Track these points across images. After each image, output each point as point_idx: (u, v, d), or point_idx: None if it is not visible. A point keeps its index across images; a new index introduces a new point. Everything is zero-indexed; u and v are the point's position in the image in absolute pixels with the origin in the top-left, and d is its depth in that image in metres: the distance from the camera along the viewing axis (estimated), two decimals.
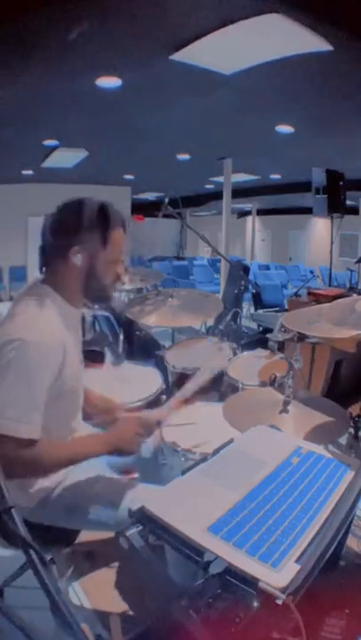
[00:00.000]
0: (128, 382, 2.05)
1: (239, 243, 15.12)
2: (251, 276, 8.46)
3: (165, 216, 2.87)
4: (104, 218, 1.23)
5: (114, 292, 1.40)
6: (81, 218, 1.21)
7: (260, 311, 6.43)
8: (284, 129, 5.49)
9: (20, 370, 1.10)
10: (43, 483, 1.27)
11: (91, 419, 1.51)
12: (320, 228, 12.17)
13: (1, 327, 1.18)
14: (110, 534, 1.33)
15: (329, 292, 3.73)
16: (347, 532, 0.86)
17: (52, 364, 1.16)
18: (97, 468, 1.37)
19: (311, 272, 8.68)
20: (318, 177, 5.64)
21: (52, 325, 1.19)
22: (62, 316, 1.24)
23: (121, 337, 2.87)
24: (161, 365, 2.24)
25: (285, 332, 1.70)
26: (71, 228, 1.22)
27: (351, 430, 1.75)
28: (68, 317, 1.26)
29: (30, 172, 8.37)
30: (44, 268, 1.28)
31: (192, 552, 0.74)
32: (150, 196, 12.14)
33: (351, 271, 6.64)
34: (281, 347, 1.94)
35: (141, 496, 1.22)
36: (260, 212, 14.39)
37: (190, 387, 1.44)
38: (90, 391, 1.51)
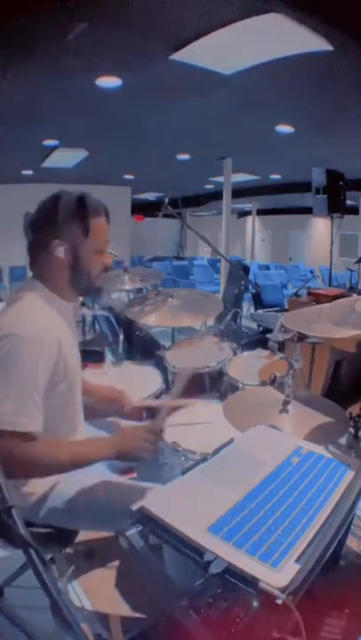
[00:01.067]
0: (128, 382, 2.05)
1: (239, 243, 15.11)
2: (251, 276, 8.46)
3: (165, 216, 2.87)
4: (82, 208, 1.23)
5: (102, 283, 1.39)
6: (58, 210, 1.22)
7: (260, 311, 6.43)
8: (284, 129, 5.49)
9: (13, 364, 1.10)
10: (41, 482, 1.26)
11: (96, 415, 1.50)
12: (320, 228, 12.17)
13: None
14: (110, 534, 1.33)
15: (329, 291, 3.73)
16: (347, 532, 0.86)
17: (46, 357, 1.15)
18: (96, 467, 1.37)
19: (311, 272, 8.67)
20: (318, 177, 5.64)
21: (44, 319, 1.20)
22: (55, 310, 1.25)
23: (121, 337, 2.87)
24: (161, 365, 2.24)
25: (285, 332, 1.70)
26: (50, 222, 1.23)
27: (351, 430, 1.75)
28: (60, 311, 1.27)
29: (30, 172, 8.36)
30: (33, 266, 1.30)
31: (192, 552, 0.74)
32: (150, 195, 12.14)
33: (351, 271, 6.64)
34: (281, 347, 1.94)
35: (141, 496, 1.21)
36: (260, 212, 14.39)
37: (175, 391, 1.42)
38: (93, 383, 1.52)
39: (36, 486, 1.26)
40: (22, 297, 1.22)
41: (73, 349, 1.31)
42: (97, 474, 1.34)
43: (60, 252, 1.23)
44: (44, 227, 1.24)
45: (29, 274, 1.34)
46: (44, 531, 1.26)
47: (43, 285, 1.26)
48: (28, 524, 1.20)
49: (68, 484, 1.28)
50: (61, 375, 1.21)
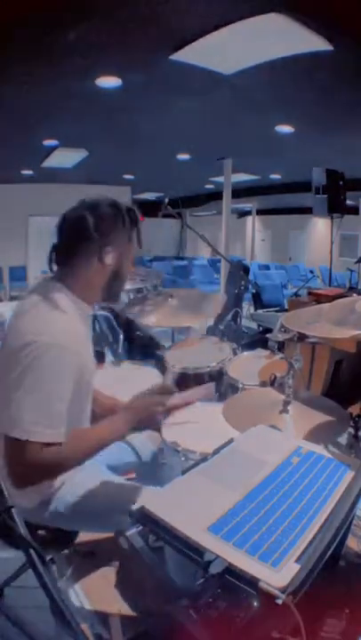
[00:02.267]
0: (128, 382, 2.05)
1: (239, 243, 15.10)
2: (251, 276, 8.45)
3: (165, 216, 2.86)
4: (132, 217, 1.26)
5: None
6: (117, 218, 1.23)
7: (260, 311, 6.43)
8: (284, 129, 5.49)
9: (38, 373, 1.08)
10: (45, 484, 1.26)
11: (95, 420, 1.50)
12: (320, 228, 12.17)
13: (13, 328, 1.15)
14: (110, 534, 1.33)
15: (329, 291, 3.73)
16: (347, 532, 0.86)
17: (72, 366, 1.13)
18: (96, 469, 1.37)
19: (311, 272, 8.67)
20: (318, 177, 5.64)
21: (69, 326, 1.17)
22: (78, 314, 1.23)
23: (121, 337, 2.87)
24: (161, 365, 2.24)
25: (285, 332, 1.70)
26: (107, 228, 1.22)
27: (351, 430, 1.75)
28: (82, 315, 1.25)
29: (30, 172, 8.36)
30: (54, 266, 1.26)
31: (192, 552, 0.74)
32: (150, 195, 12.13)
33: (351, 271, 6.64)
34: (281, 347, 1.94)
35: (141, 496, 1.22)
36: (260, 212, 14.38)
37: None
38: (97, 391, 1.50)
39: (41, 488, 1.25)
40: (45, 301, 1.17)
41: (91, 354, 1.30)
42: (97, 475, 1.34)
43: (110, 258, 1.23)
44: (98, 232, 1.21)
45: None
46: (46, 532, 1.26)
47: (67, 289, 1.22)
48: (33, 526, 1.20)
49: (71, 486, 1.28)
50: (83, 381, 1.20)
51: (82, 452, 1.17)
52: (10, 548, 1.19)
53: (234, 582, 0.70)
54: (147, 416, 1.25)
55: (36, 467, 1.09)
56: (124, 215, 1.24)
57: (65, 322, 1.16)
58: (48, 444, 1.08)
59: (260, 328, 4.97)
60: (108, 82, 4.00)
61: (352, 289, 4.33)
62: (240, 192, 9.24)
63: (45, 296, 1.18)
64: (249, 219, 14.66)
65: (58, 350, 1.10)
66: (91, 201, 1.24)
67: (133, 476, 1.59)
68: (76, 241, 1.22)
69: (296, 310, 1.74)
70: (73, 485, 1.29)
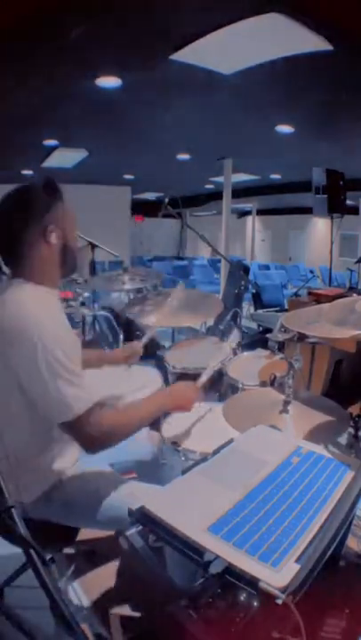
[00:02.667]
0: (128, 382, 2.05)
1: (239, 243, 15.11)
2: (251, 276, 8.46)
3: (165, 216, 2.87)
4: (56, 190, 1.27)
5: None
6: (39, 199, 1.23)
7: (260, 311, 6.43)
8: (284, 129, 5.48)
9: (50, 355, 1.11)
10: (44, 477, 1.27)
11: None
12: (320, 228, 12.17)
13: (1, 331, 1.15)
14: (110, 533, 1.33)
15: (329, 291, 3.73)
16: (347, 532, 0.86)
17: (66, 336, 1.19)
18: (96, 465, 1.37)
19: (311, 272, 8.68)
20: (318, 177, 5.64)
21: (51, 310, 1.20)
22: (52, 300, 1.25)
23: (121, 337, 2.87)
24: (161, 365, 2.24)
25: (285, 332, 1.70)
26: (36, 212, 1.22)
27: (351, 430, 1.75)
28: (54, 301, 1.27)
29: (30, 172, 8.36)
30: (15, 262, 1.26)
31: (192, 552, 0.74)
32: (150, 195, 12.13)
33: (351, 271, 6.64)
34: (281, 347, 1.94)
35: (141, 496, 1.22)
36: (260, 212, 14.38)
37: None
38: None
39: (39, 482, 1.27)
40: (12, 297, 1.18)
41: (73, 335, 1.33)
42: (97, 472, 1.34)
43: (53, 237, 1.23)
44: (26, 219, 1.22)
45: None
46: (45, 528, 1.27)
47: (25, 281, 1.22)
48: (30, 521, 1.21)
49: (70, 481, 1.29)
50: (77, 347, 1.24)
51: (137, 419, 1.27)
52: (10, 546, 1.19)
53: (234, 582, 0.70)
54: (189, 396, 1.44)
55: (109, 429, 1.18)
56: (43, 192, 1.25)
57: (46, 308, 1.18)
58: (96, 407, 1.16)
59: (260, 328, 4.97)
60: (108, 82, 4.00)
61: (352, 289, 4.32)
62: (240, 192, 9.24)
63: (15, 293, 1.19)
64: (249, 219, 14.66)
65: (54, 334, 1.13)
66: (9, 195, 1.25)
67: (134, 475, 1.59)
68: (15, 235, 1.23)
69: (296, 310, 1.74)
70: (72, 480, 1.29)
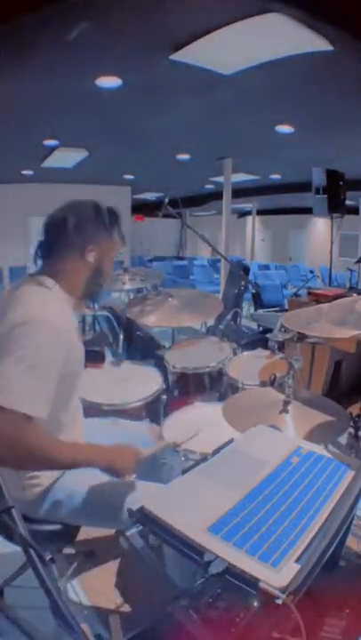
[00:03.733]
0: (128, 382, 2.06)
1: (239, 243, 15.11)
2: (251, 276, 8.45)
3: (165, 216, 2.87)
4: (113, 218, 1.34)
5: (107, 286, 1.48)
6: (98, 219, 1.31)
7: (260, 311, 6.42)
8: (284, 129, 5.48)
9: (31, 348, 1.11)
10: (44, 475, 1.28)
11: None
12: (320, 228, 12.17)
13: (8, 314, 1.17)
14: (110, 533, 1.33)
15: (329, 291, 3.73)
16: (347, 532, 0.86)
17: (62, 344, 1.18)
18: None
19: (311, 272, 8.67)
20: (318, 177, 5.64)
21: (61, 309, 1.24)
22: (67, 303, 1.29)
23: (121, 337, 2.87)
24: (161, 365, 2.24)
25: (285, 332, 1.70)
26: (89, 228, 1.29)
27: (351, 430, 1.75)
28: (68, 305, 1.31)
29: (30, 172, 8.36)
30: (39, 262, 1.32)
31: (192, 552, 0.74)
32: (150, 195, 12.13)
33: (351, 271, 6.63)
34: (281, 347, 1.94)
35: (141, 496, 1.22)
36: (260, 212, 14.38)
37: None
38: None
39: (39, 480, 1.27)
40: (38, 288, 1.24)
41: (79, 340, 1.34)
42: (97, 472, 1.34)
43: (91, 257, 1.30)
44: (81, 231, 1.28)
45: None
46: (45, 527, 1.27)
47: (54, 282, 1.27)
48: (30, 520, 1.20)
49: (70, 479, 1.29)
50: (71, 363, 1.23)
51: (59, 454, 1.15)
52: (10, 545, 1.19)
53: (234, 582, 0.70)
54: (128, 460, 1.25)
55: (13, 441, 1.07)
56: (105, 215, 1.32)
57: (56, 304, 1.23)
58: (27, 418, 1.08)
59: (260, 328, 4.96)
60: (108, 82, 4.00)
61: (352, 289, 4.32)
62: (240, 192, 9.23)
63: (35, 285, 1.24)
64: (249, 219, 14.66)
65: (51, 328, 1.15)
66: (74, 202, 1.33)
67: (134, 475, 1.59)
68: (59, 239, 1.29)
69: (296, 310, 1.74)
70: (72, 478, 1.29)
